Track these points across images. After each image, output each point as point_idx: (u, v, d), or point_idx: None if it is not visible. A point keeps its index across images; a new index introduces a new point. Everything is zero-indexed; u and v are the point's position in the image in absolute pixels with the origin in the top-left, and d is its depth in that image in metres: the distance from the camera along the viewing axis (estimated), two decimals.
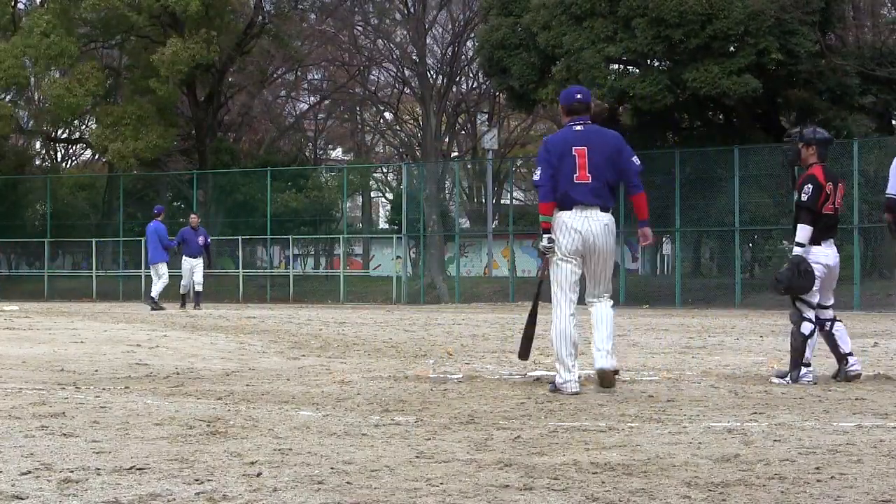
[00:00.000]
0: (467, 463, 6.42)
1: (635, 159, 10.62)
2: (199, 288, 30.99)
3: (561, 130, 10.89)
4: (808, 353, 10.92)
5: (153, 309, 29.55)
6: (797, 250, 10.93)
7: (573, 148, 10.42)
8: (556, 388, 10.30)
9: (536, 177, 10.63)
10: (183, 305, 30.64)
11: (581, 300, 10.43)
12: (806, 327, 10.93)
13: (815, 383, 10.82)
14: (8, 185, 48.08)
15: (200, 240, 30.98)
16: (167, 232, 30.92)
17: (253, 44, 48.26)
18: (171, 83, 42.05)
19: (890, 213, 11.17)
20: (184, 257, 31.09)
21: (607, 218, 10.42)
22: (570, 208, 10.36)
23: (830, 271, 11.10)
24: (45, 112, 46.22)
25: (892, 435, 7.60)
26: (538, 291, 11.42)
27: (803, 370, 10.88)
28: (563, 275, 10.42)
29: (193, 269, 30.78)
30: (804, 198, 10.90)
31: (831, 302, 11.25)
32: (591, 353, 10.43)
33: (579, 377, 10.36)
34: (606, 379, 10.22)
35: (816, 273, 10.92)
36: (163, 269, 30.60)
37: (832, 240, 11.15)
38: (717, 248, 38.95)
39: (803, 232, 10.90)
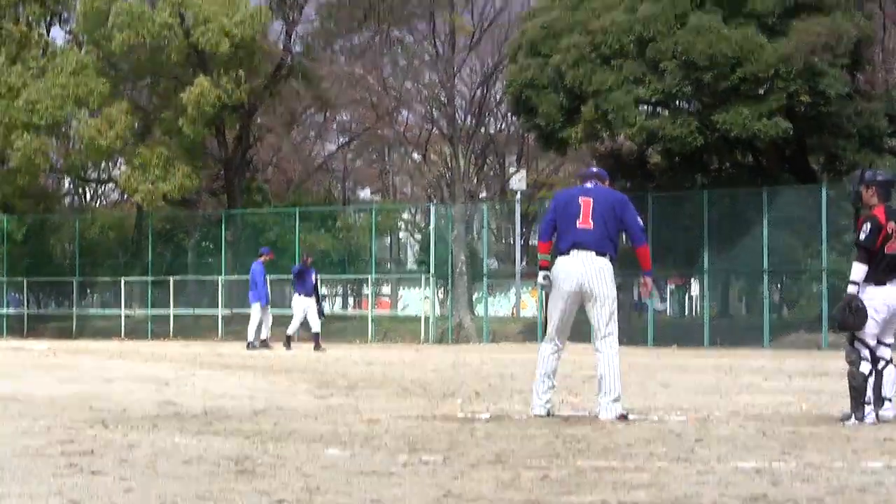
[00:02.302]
0: (495, 502, 6.42)
1: (639, 219, 11.52)
2: (316, 328, 30.22)
3: (572, 187, 12.17)
4: (869, 392, 10.86)
5: (249, 349, 29.43)
6: (851, 288, 10.91)
7: (580, 198, 11.40)
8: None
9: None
10: (288, 346, 29.78)
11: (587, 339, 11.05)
12: (865, 367, 10.88)
13: (876, 423, 10.78)
14: (37, 223, 48.28)
15: (313, 277, 30.64)
16: (263, 274, 30.67)
17: (282, 85, 48.33)
18: (198, 123, 42.02)
19: None
20: (297, 295, 30.64)
21: (603, 262, 11.24)
22: (568, 252, 11.27)
23: (894, 311, 11.06)
24: (76, 152, 46.29)
25: None
26: None
27: (867, 409, 10.84)
28: (557, 314, 11.56)
29: (307, 310, 30.14)
30: (862, 237, 10.97)
31: (891, 341, 11.19)
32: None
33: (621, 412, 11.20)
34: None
35: (880, 313, 10.89)
36: (255, 309, 30.40)
37: None
38: (745, 289, 38.77)
39: (858, 270, 10.92)
